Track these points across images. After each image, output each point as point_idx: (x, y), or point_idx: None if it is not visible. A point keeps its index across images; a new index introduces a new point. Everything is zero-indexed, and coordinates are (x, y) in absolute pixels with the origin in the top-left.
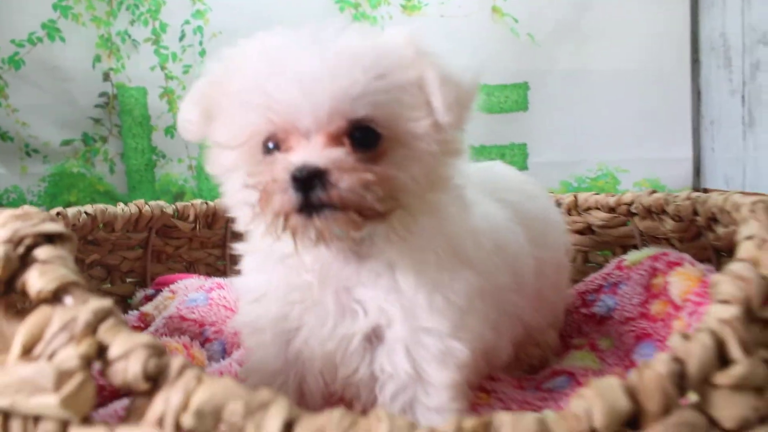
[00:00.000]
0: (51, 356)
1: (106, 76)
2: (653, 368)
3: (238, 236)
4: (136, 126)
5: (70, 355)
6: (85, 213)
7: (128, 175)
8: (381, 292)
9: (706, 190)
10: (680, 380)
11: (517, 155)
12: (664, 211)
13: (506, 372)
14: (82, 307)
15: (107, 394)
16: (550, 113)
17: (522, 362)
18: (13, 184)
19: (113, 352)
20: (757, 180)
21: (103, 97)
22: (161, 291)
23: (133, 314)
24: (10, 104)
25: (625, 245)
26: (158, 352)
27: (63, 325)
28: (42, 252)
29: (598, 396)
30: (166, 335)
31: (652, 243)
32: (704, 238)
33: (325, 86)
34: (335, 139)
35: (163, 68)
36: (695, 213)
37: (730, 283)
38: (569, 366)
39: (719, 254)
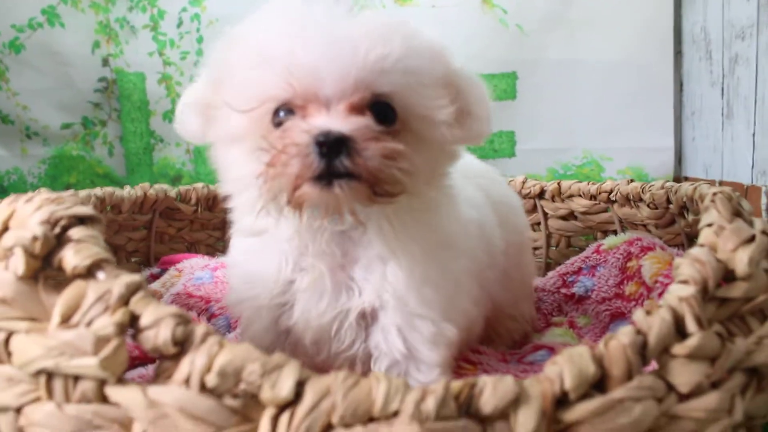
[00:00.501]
0: (89, 324)
1: (105, 62)
2: (618, 339)
3: None
4: (135, 110)
5: (107, 323)
6: (95, 196)
7: (127, 158)
8: (375, 279)
9: (686, 178)
10: (642, 350)
11: (505, 143)
12: (640, 199)
13: (492, 347)
14: (115, 281)
15: (133, 358)
16: (537, 102)
17: (504, 337)
18: (14, 165)
19: (144, 320)
20: (734, 168)
21: (103, 81)
22: (167, 270)
23: None
24: (11, 88)
25: (606, 230)
26: (184, 320)
27: (98, 297)
28: (76, 232)
29: (568, 362)
30: None
31: (630, 228)
32: (677, 224)
33: (359, 53)
34: (356, 111)
35: (161, 54)
36: (668, 201)
37: (689, 266)
38: (549, 342)
39: (691, 239)
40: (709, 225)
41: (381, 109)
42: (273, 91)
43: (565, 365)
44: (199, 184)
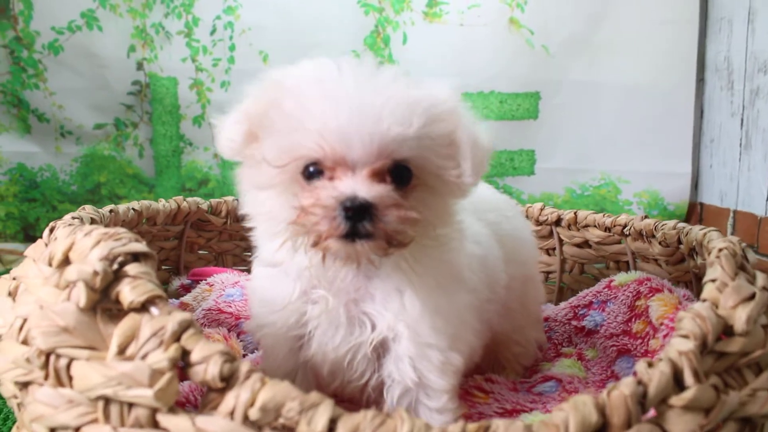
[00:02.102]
0: (144, 357)
1: (140, 65)
2: (620, 389)
3: None
4: (166, 114)
5: (161, 358)
6: (133, 209)
7: (156, 159)
8: (390, 312)
9: (702, 204)
10: (642, 399)
11: (525, 161)
12: (653, 236)
13: (503, 374)
14: (169, 318)
15: None
16: (559, 122)
17: (513, 363)
18: (47, 162)
19: (195, 356)
20: (749, 198)
21: (136, 85)
22: (198, 283)
23: (174, 302)
24: (48, 87)
25: (619, 260)
26: (231, 358)
27: (153, 332)
28: (132, 268)
29: (573, 409)
30: (206, 326)
31: (642, 262)
32: (686, 263)
33: (383, 126)
34: (378, 174)
35: (194, 60)
36: (679, 242)
37: (690, 321)
38: (558, 373)
39: (699, 279)
40: (713, 281)
41: (399, 171)
42: (306, 151)
43: (571, 412)
44: (230, 198)
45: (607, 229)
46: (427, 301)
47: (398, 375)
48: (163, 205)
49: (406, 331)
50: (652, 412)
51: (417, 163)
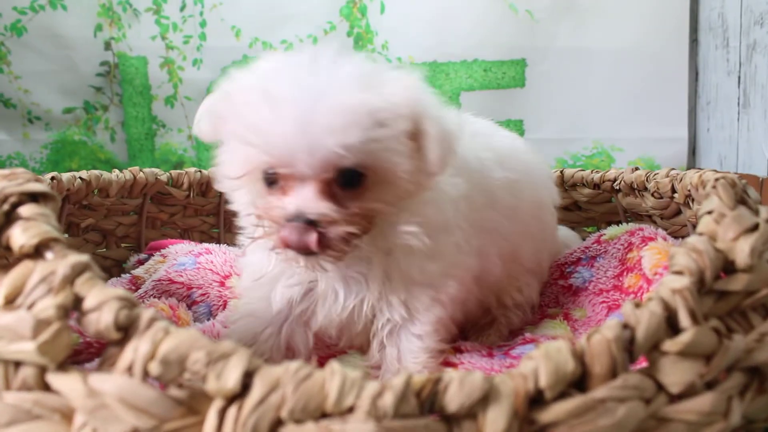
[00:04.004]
0: (30, 306)
1: (108, 45)
2: (602, 333)
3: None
4: (137, 95)
5: (48, 305)
6: (80, 178)
7: (129, 143)
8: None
9: None
10: (629, 346)
11: (513, 132)
12: (645, 188)
13: (486, 334)
14: (60, 261)
15: (94, 350)
16: (547, 90)
17: (505, 319)
18: (15, 150)
19: (88, 303)
20: (750, 160)
21: (105, 65)
22: (153, 255)
23: (125, 277)
24: (13, 71)
25: (610, 221)
26: (130, 304)
27: (42, 278)
28: (25, 210)
29: (545, 357)
30: (154, 297)
31: (635, 219)
32: (683, 214)
33: (322, 138)
34: (326, 186)
35: (163, 38)
36: (673, 190)
37: (685, 255)
38: (541, 334)
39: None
40: (709, 212)
41: (350, 176)
42: (257, 164)
43: (542, 361)
44: (192, 169)
45: (596, 186)
46: (412, 257)
47: (390, 314)
48: (116, 175)
49: (398, 276)
50: (642, 362)
51: (369, 166)
